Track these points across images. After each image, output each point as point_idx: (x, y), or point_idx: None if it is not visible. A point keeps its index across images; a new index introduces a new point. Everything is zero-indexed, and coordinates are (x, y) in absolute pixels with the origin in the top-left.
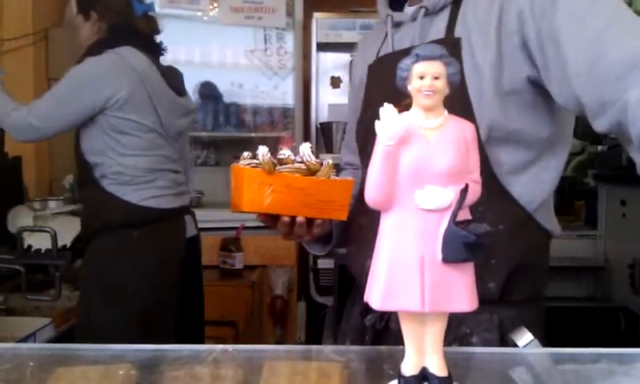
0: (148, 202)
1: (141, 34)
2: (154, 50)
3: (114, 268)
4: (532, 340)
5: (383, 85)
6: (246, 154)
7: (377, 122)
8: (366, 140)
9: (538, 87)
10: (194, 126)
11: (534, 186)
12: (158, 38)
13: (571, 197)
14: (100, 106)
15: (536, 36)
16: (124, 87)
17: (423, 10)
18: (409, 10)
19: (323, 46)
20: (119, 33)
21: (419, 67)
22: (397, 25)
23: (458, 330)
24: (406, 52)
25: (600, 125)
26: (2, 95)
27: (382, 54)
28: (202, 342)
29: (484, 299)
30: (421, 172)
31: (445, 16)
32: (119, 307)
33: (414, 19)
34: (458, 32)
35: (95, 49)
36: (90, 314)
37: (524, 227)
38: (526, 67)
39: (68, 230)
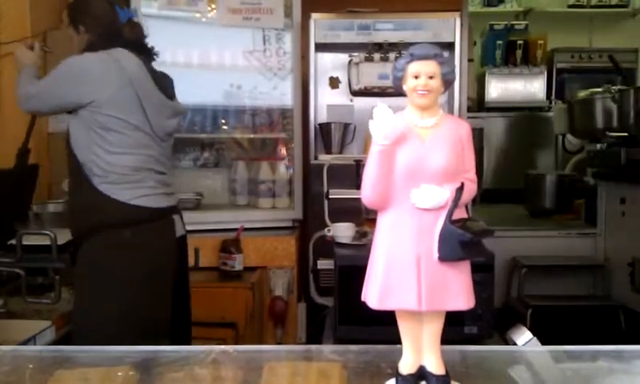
0: (139, 200)
1: (128, 40)
2: (143, 54)
3: (109, 268)
4: (531, 338)
5: None
6: None
7: (370, 122)
8: None
9: None
10: (180, 129)
11: None
12: (152, 42)
13: (571, 195)
14: (86, 101)
15: None
16: (111, 86)
17: None
18: None
19: (321, 47)
20: (108, 38)
21: (414, 67)
22: None
23: None
24: None
25: None
26: (30, 73)
27: None
28: (189, 343)
29: None
30: (416, 171)
31: None
32: (114, 308)
33: None
34: None
35: (89, 49)
36: (85, 316)
37: None
38: None
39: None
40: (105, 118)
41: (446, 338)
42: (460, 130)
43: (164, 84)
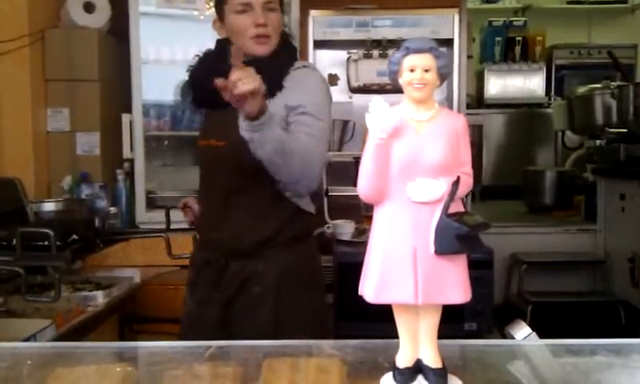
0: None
1: None
2: None
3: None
4: (530, 333)
5: None
6: None
7: (367, 116)
8: None
9: None
10: None
11: None
12: (150, 40)
13: (570, 191)
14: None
15: None
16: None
17: None
18: None
19: (320, 44)
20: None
21: (409, 60)
22: None
23: None
24: None
25: None
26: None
27: None
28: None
29: None
30: (412, 164)
31: None
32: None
33: None
34: None
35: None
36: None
37: None
38: None
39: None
40: None
41: (445, 335)
42: (456, 123)
43: None
